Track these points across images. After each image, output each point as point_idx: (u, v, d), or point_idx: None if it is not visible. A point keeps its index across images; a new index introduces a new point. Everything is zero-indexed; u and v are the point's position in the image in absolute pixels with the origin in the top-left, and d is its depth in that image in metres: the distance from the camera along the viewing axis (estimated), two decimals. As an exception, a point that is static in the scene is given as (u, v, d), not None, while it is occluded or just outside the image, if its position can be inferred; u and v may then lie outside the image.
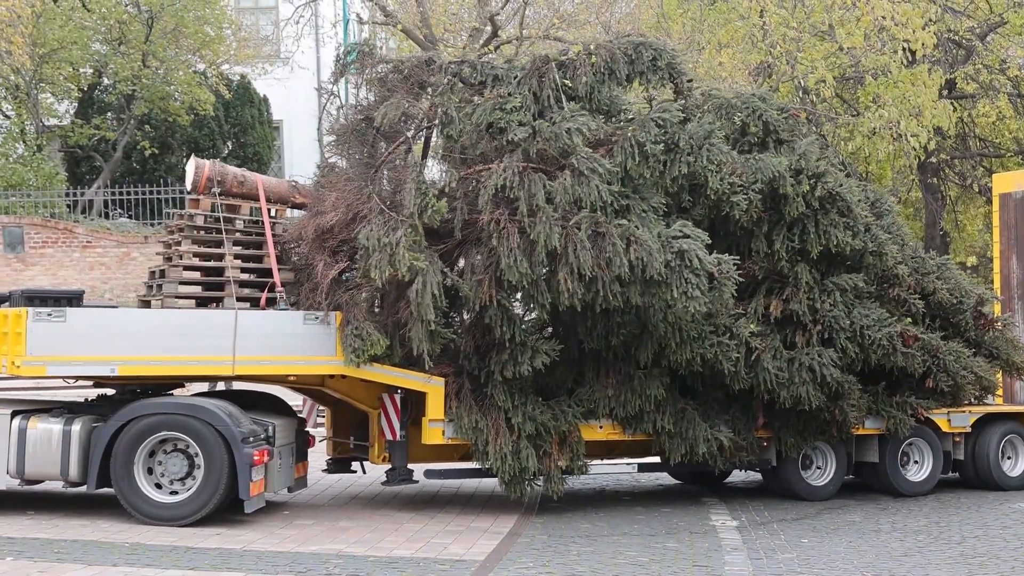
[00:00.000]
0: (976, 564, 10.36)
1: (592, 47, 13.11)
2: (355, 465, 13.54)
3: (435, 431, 12.30)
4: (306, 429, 13.20)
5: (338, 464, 13.56)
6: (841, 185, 13.01)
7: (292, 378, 12.71)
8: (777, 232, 13.03)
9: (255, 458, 11.37)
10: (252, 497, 11.44)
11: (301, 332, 12.07)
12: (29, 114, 29.48)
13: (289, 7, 30.72)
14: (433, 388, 12.26)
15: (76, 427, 11.60)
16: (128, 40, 28.88)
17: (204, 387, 14.15)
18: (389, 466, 12.70)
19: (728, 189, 12.40)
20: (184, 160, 28.39)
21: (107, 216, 28.02)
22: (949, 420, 14.35)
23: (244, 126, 31.34)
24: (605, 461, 13.52)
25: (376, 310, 12.51)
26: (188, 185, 13.03)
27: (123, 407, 11.69)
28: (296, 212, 14.11)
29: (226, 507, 11.51)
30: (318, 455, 13.68)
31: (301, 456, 12.86)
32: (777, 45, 24.96)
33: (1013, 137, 28.22)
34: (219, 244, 12.76)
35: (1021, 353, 15.00)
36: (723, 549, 10.92)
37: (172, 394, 12.41)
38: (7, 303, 12.10)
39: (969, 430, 14.54)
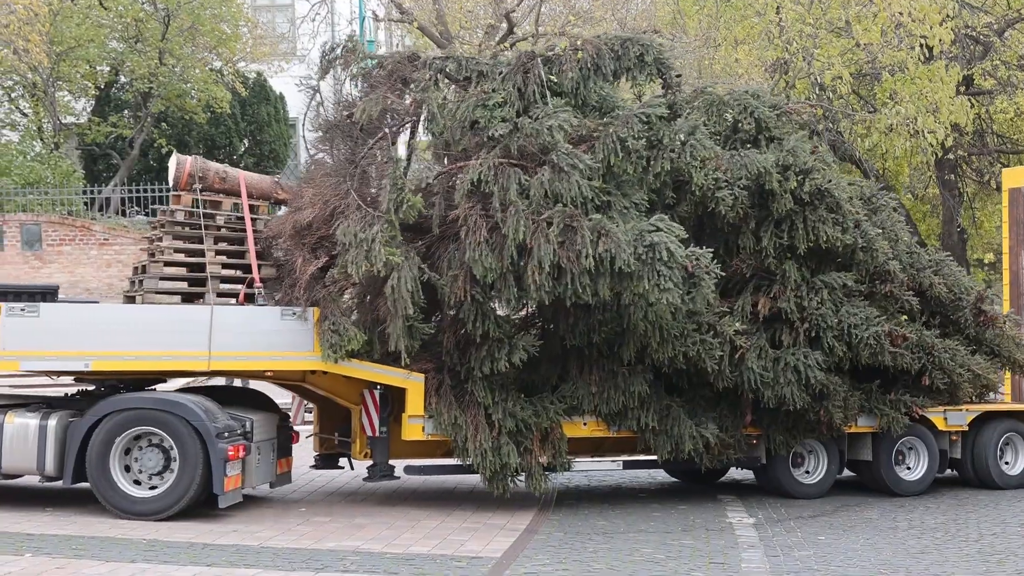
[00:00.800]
0: (994, 561, 10.29)
1: (579, 43, 13.05)
2: (342, 461, 13.52)
3: (415, 427, 12.28)
4: (290, 425, 13.22)
5: (325, 460, 13.55)
6: (830, 181, 12.84)
7: (269, 374, 12.74)
8: (765, 229, 12.90)
9: (229, 453, 11.41)
10: (226, 492, 11.48)
11: (278, 328, 12.09)
12: (46, 112, 29.60)
13: (305, 5, 30.77)
14: (413, 384, 12.23)
15: (52, 422, 11.67)
16: (145, 38, 28.97)
17: (196, 383, 14.14)
18: (371, 462, 12.72)
19: (712, 185, 12.32)
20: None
21: (124, 214, 28.12)
22: (945, 418, 14.17)
23: (260, 124, 31.41)
24: (592, 458, 13.41)
25: (355, 306, 12.50)
26: (170, 181, 13.09)
27: (99, 402, 11.76)
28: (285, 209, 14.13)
29: (243, 503, 11.54)
30: (310, 452, 13.72)
31: (284, 452, 12.90)
32: (793, 42, 24.84)
33: (1031, 133, 28.09)
34: (200, 240, 12.80)
35: (1023, 350, 14.75)
36: (740, 546, 10.89)
37: (155, 389, 12.47)
38: None
39: (966, 428, 14.34)
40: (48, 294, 12.15)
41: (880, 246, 13.19)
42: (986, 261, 26.04)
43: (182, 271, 12.80)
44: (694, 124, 12.56)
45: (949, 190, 28.09)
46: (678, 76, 13.62)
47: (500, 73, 12.65)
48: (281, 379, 12.98)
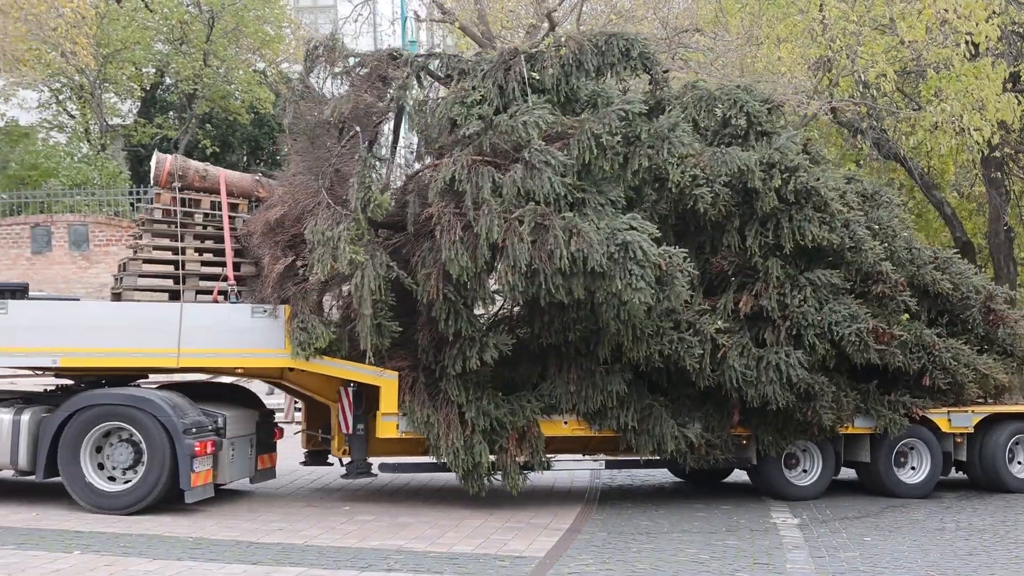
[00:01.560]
0: (1044, 563, 10.22)
1: (563, 39, 13.00)
2: (332, 458, 13.51)
3: (389, 425, 12.27)
4: (273, 421, 13.32)
5: (313, 457, 13.59)
6: (817, 179, 12.60)
7: (240, 371, 12.83)
8: (750, 227, 12.72)
9: (196, 449, 11.49)
10: (193, 488, 11.57)
11: (249, 325, 12.15)
12: (93, 114, 29.91)
13: (348, 5, 30.84)
14: (386, 382, 12.21)
15: (26, 417, 11.83)
16: (189, 40, 29.21)
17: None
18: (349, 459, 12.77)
19: (689, 182, 12.17)
20: (244, 157, 28.62)
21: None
22: (949, 420, 13.85)
23: (303, 124, 31.51)
24: (574, 457, 13.34)
25: (329, 304, 12.52)
26: (152, 180, 13.22)
27: (71, 397, 11.90)
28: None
29: (286, 502, 11.60)
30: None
31: (266, 448, 13.00)
32: (837, 39, 24.66)
33: (1079, 131, 27.77)
34: (180, 238, 12.92)
35: None
36: (784, 547, 10.81)
37: (139, 385, 12.57)
38: None
39: (972, 430, 13.98)
40: (17, 292, 12.27)
41: (869, 245, 12.91)
42: (1034, 259, 25.75)
43: (163, 268, 12.92)
44: (674, 121, 12.40)
45: (996, 188, 27.79)
46: (665, 71, 13.53)
47: (482, 71, 12.62)
48: (258, 376, 13.07)
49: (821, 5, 24.77)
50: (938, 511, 12.90)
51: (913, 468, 13.95)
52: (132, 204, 27.95)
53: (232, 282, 12.67)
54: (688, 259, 11.67)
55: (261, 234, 12.50)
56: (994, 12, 23.20)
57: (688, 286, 11.62)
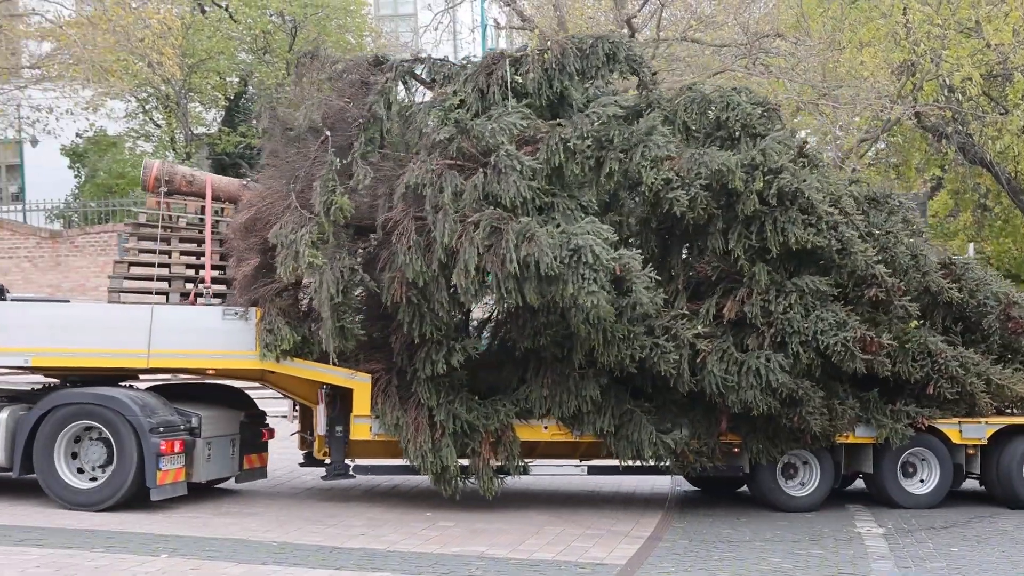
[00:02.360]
0: None
1: (548, 43, 13.02)
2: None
3: (362, 427, 12.37)
4: (262, 422, 13.53)
5: (309, 459, 13.62)
6: (804, 181, 12.21)
7: (211, 372, 12.99)
8: (733, 230, 12.42)
9: (162, 447, 11.70)
10: (160, 486, 11.79)
11: (219, 327, 12.34)
12: (179, 123, 30.42)
13: (428, 14, 31.06)
14: (358, 384, 12.31)
15: (4, 415, 12.16)
16: (272, 49, 29.60)
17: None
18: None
19: (662, 185, 11.93)
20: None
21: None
22: (960, 431, 13.28)
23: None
24: (554, 462, 13.25)
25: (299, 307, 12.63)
26: (140, 185, 13.54)
27: (46, 396, 12.21)
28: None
29: (369, 505, 11.68)
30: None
31: (253, 448, 13.27)
32: (921, 43, 24.34)
33: None
34: (165, 241, 13.18)
35: None
36: (869, 557, 10.66)
37: (130, 385, 12.84)
38: None
39: (985, 442, 13.37)
40: None
41: (859, 248, 12.42)
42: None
43: (150, 271, 13.19)
44: (651, 124, 12.21)
45: (1085, 193, 27.29)
46: (654, 74, 13.34)
47: (465, 75, 12.63)
48: (236, 377, 13.24)
49: (905, 8, 24.50)
50: (1028, 521, 12.66)
51: (922, 480, 13.50)
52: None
53: (207, 284, 12.89)
54: (649, 263, 11.56)
55: (235, 237, 12.75)
56: (1084, 14, 22.81)
57: (652, 290, 11.40)
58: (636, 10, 29.58)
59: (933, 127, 26.80)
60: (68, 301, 14.47)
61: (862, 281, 12.62)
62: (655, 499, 13.82)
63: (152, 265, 13.13)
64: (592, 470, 13.18)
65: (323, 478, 12.97)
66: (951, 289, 13.23)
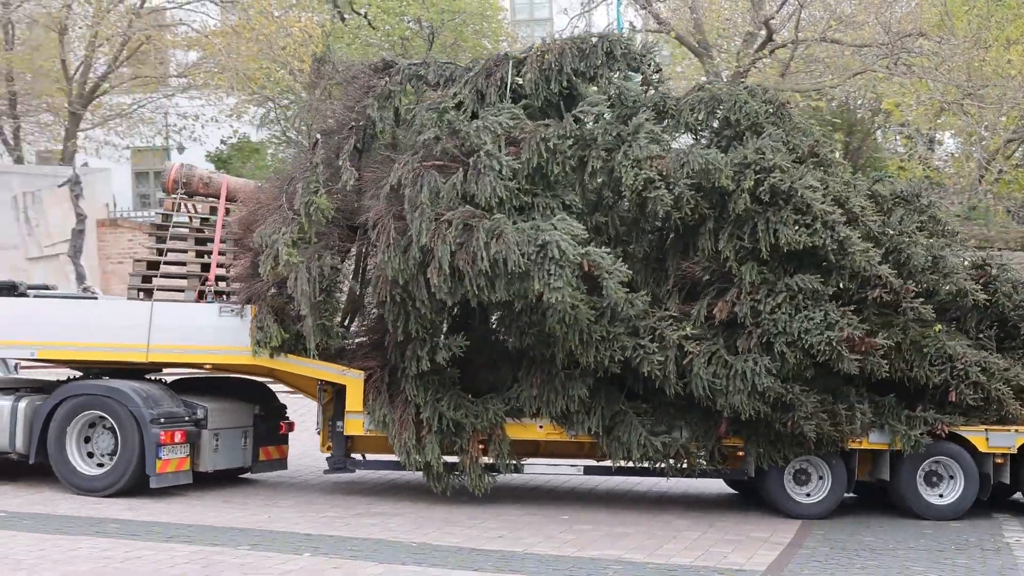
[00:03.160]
0: None
1: (549, 44, 13.10)
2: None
3: (356, 422, 12.69)
4: (281, 415, 14.01)
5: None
6: (799, 180, 11.88)
7: (208, 366, 13.53)
8: (724, 230, 12.16)
9: (161, 437, 12.26)
10: (160, 474, 12.35)
11: (216, 324, 12.82)
12: (319, 128, 30.82)
13: (564, 18, 31.17)
14: (351, 380, 12.62)
15: (23, 404, 12.89)
16: (410, 55, 29.87)
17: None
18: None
19: (642, 185, 11.79)
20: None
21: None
22: (987, 439, 12.71)
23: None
24: (548, 462, 13.29)
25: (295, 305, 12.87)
26: (160, 186, 14.16)
27: (59, 387, 12.93)
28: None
29: (509, 506, 11.73)
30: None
31: (270, 440, 13.79)
32: (1072, 40, 23.68)
33: None
34: (185, 240, 13.79)
35: None
36: (1019, 568, 10.34)
37: (150, 378, 13.47)
38: None
39: (1015, 451, 12.76)
40: (6, 289, 13.41)
41: (858, 248, 11.94)
42: None
43: (171, 269, 13.80)
44: (638, 123, 12.12)
45: None
46: (657, 71, 13.23)
47: (466, 77, 12.82)
48: (240, 372, 13.70)
49: (1055, 5, 23.82)
50: None
51: (944, 488, 12.95)
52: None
53: (211, 282, 13.38)
54: (622, 261, 11.52)
55: (234, 236, 13.28)
56: None
57: (626, 287, 11.36)
58: (774, 11, 29.25)
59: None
60: (96, 297, 15.24)
61: (866, 282, 12.21)
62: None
63: (170, 263, 13.80)
64: (588, 470, 13.16)
65: (325, 472, 13.36)
66: (977, 291, 12.67)
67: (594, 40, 12.95)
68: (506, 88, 12.67)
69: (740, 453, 12.68)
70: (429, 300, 11.81)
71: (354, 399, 12.64)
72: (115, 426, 12.55)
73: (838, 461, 12.82)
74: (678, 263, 12.50)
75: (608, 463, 12.84)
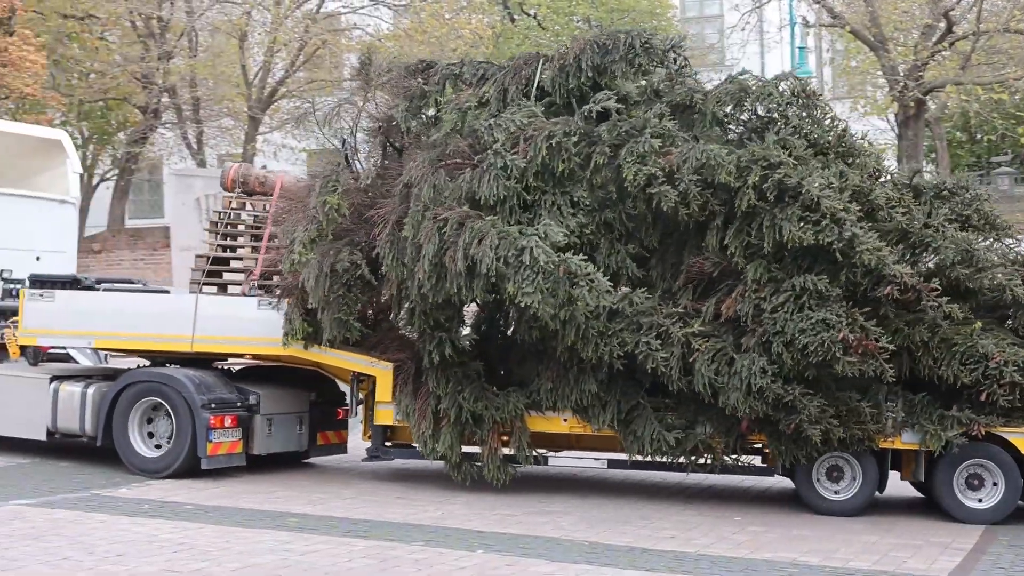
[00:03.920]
0: None
1: (573, 41, 13.31)
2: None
3: (385, 412, 13.23)
4: (341, 402, 14.59)
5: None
6: (807, 176, 11.66)
7: (248, 357, 14.26)
8: (730, 226, 12.07)
9: (211, 421, 13.08)
10: (210, 456, 13.20)
11: (255, 316, 13.55)
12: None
13: (735, 14, 30.83)
14: (380, 372, 13.17)
15: (91, 390, 13.89)
16: (580, 55, 29.93)
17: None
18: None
19: (644, 181, 11.84)
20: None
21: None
22: None
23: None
24: (577, 454, 13.57)
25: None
26: (220, 185, 14.99)
27: (122, 375, 13.93)
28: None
29: (677, 510, 11.65)
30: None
31: (327, 425, 14.52)
32: None
33: None
34: (235, 237, 14.72)
35: None
36: None
37: (219, 367, 14.37)
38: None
39: None
40: (68, 283, 14.45)
41: (867, 245, 11.58)
42: None
43: (228, 264, 14.86)
44: (643, 120, 12.23)
45: None
46: (680, 67, 13.19)
47: (494, 76, 13.14)
48: (286, 363, 14.18)
49: None
50: None
51: (984, 491, 12.42)
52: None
53: (255, 277, 14.11)
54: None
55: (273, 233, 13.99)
56: None
57: (603, 290, 11.45)
58: (954, 2, 28.39)
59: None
60: (167, 291, 16.12)
61: (881, 280, 11.85)
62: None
63: (222, 259, 14.72)
64: (612, 464, 13.32)
65: (363, 459, 14.01)
66: (1018, 286, 12.09)
67: (619, 36, 13.03)
68: (532, 86, 12.91)
69: (767, 450, 12.67)
70: (421, 297, 12.21)
71: (383, 390, 13.17)
72: (170, 411, 13.39)
73: (870, 460, 12.57)
74: (690, 260, 12.52)
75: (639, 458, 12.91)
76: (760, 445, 12.76)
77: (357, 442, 14.64)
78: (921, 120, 29.66)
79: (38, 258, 16.29)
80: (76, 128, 34.43)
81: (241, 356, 14.50)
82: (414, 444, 13.23)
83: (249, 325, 13.61)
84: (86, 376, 14.40)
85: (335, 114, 14.10)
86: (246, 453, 13.62)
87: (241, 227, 14.88)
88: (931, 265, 12.35)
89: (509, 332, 13.37)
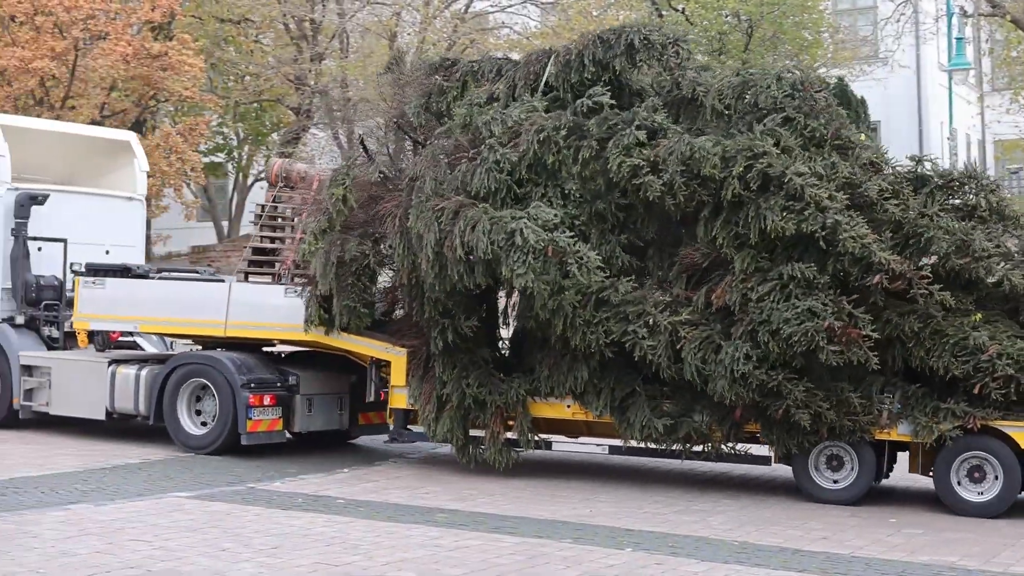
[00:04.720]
0: None
1: (581, 38, 13.60)
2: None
3: (400, 396, 13.76)
4: (386, 385, 14.72)
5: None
6: (790, 167, 11.72)
7: (276, 342, 14.90)
8: (716, 217, 12.20)
9: (250, 400, 13.87)
10: (250, 432, 13.99)
11: (282, 303, 14.23)
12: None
13: (889, 6, 30.21)
14: (394, 357, 13.72)
15: (144, 372, 14.88)
16: (728, 50, 29.69)
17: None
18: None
19: (628, 172, 12.11)
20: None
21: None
22: None
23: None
24: (581, 440, 13.81)
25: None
26: (265, 179, 15.98)
27: (171, 358, 14.93)
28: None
29: (826, 510, 11.49)
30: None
31: (368, 406, 15.02)
32: None
33: None
34: (279, 229, 15.52)
35: None
36: None
37: (265, 350, 15.09)
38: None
39: None
40: (118, 271, 15.52)
41: (849, 234, 11.55)
42: None
43: (259, 256, 15.69)
44: (632, 115, 12.46)
45: None
46: (682, 60, 13.31)
47: (505, 72, 13.56)
48: (316, 348, 14.67)
49: None
50: None
51: (982, 484, 12.13)
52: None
53: (287, 266, 14.83)
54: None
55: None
56: None
57: (595, 269, 11.80)
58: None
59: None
60: (223, 280, 16.74)
61: (869, 268, 11.77)
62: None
63: (262, 249, 15.57)
64: (613, 450, 13.55)
65: (385, 442, 14.67)
66: (1015, 276, 11.87)
67: (622, 31, 13.29)
68: (540, 82, 13.26)
69: (762, 439, 12.65)
70: (428, 286, 12.64)
71: (398, 374, 13.71)
72: (214, 391, 14.22)
73: (867, 450, 12.48)
74: (683, 250, 12.65)
75: (642, 444, 13.08)
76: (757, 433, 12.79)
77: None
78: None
79: (107, 252, 17.23)
80: (232, 129, 35.40)
81: (270, 341, 15.17)
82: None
83: (277, 312, 14.30)
84: (141, 360, 15.39)
85: (353, 111, 14.98)
86: (287, 431, 14.46)
87: (279, 220, 15.74)
88: (935, 257, 12.20)
89: (512, 320, 13.84)
